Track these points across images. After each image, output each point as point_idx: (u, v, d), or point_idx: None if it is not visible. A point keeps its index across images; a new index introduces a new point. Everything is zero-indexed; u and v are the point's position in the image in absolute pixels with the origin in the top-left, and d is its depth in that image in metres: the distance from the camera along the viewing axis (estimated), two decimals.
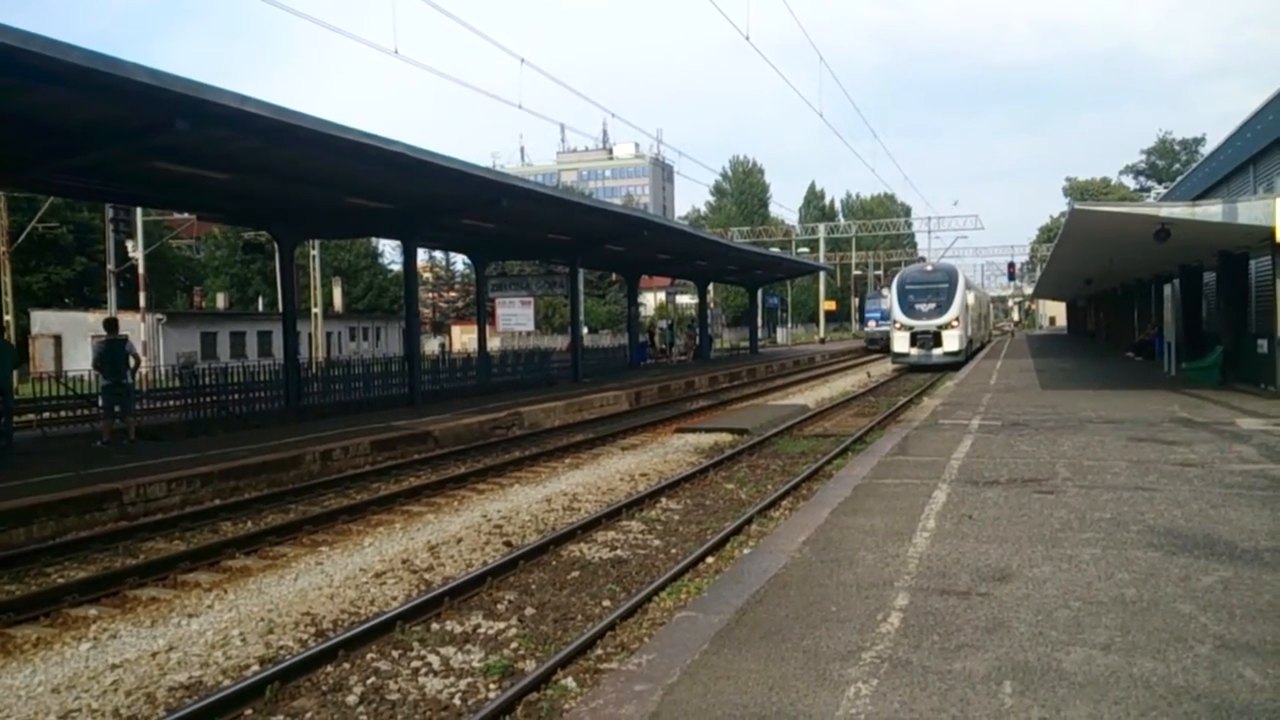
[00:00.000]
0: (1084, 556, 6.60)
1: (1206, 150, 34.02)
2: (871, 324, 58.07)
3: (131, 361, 16.02)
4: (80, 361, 32.47)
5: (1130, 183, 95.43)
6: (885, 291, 54.75)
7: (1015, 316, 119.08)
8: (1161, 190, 69.96)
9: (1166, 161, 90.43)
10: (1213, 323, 24.25)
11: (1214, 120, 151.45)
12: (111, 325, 16.77)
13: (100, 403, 16.40)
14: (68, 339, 44.16)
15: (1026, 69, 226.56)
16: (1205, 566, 6.27)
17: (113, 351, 15.87)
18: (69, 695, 6.07)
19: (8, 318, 39.13)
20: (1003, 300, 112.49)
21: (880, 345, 52.61)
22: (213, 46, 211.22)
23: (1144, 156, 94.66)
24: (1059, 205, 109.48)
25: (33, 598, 8.09)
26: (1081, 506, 8.27)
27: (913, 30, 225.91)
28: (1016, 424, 14.48)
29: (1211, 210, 16.58)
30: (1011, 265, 76.80)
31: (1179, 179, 38.87)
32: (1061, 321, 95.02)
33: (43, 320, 46.33)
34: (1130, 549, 6.77)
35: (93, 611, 7.93)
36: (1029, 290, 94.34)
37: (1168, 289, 25.05)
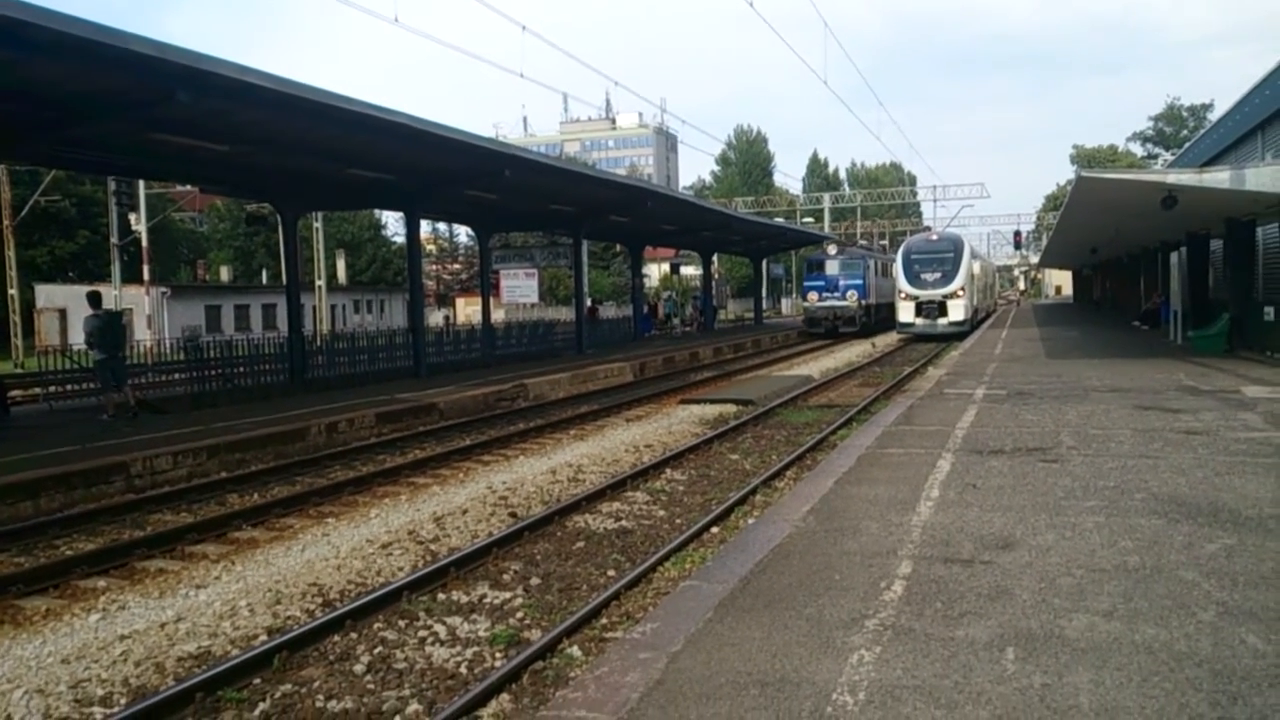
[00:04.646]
0: (1088, 524, 6.61)
1: (1214, 117, 33.72)
2: (813, 297, 41.54)
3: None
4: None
5: (1138, 149, 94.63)
6: (830, 250, 42.57)
7: (1021, 285, 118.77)
8: (1169, 157, 69.49)
9: (1174, 128, 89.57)
10: (1219, 291, 24.16)
11: (1223, 87, 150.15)
12: (96, 299, 16.44)
13: (99, 378, 16.32)
14: (73, 313, 44.15)
15: (1032, 36, 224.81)
16: (1209, 534, 6.28)
17: (112, 326, 15.84)
18: (78, 665, 6.12)
19: (12, 291, 39.22)
20: (1008, 269, 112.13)
21: (825, 327, 40.29)
22: (209, 17, 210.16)
23: (1151, 123, 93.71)
24: (1066, 173, 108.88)
25: (41, 570, 8.14)
26: (1086, 475, 8.28)
27: None
28: (1022, 393, 14.46)
29: (1219, 177, 16.47)
30: (1018, 234, 76.10)
31: (1186, 145, 38.61)
32: (1067, 290, 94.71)
33: (47, 294, 46.34)
34: (1134, 517, 6.78)
35: (101, 583, 7.98)
36: (1035, 259, 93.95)
37: (1174, 257, 24.95)
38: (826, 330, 40.19)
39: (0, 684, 5.85)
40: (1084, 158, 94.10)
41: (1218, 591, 5.15)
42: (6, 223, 39.02)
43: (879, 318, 42.93)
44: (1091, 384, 15.36)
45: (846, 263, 41.44)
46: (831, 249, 42.83)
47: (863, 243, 64.12)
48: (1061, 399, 13.58)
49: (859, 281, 40.54)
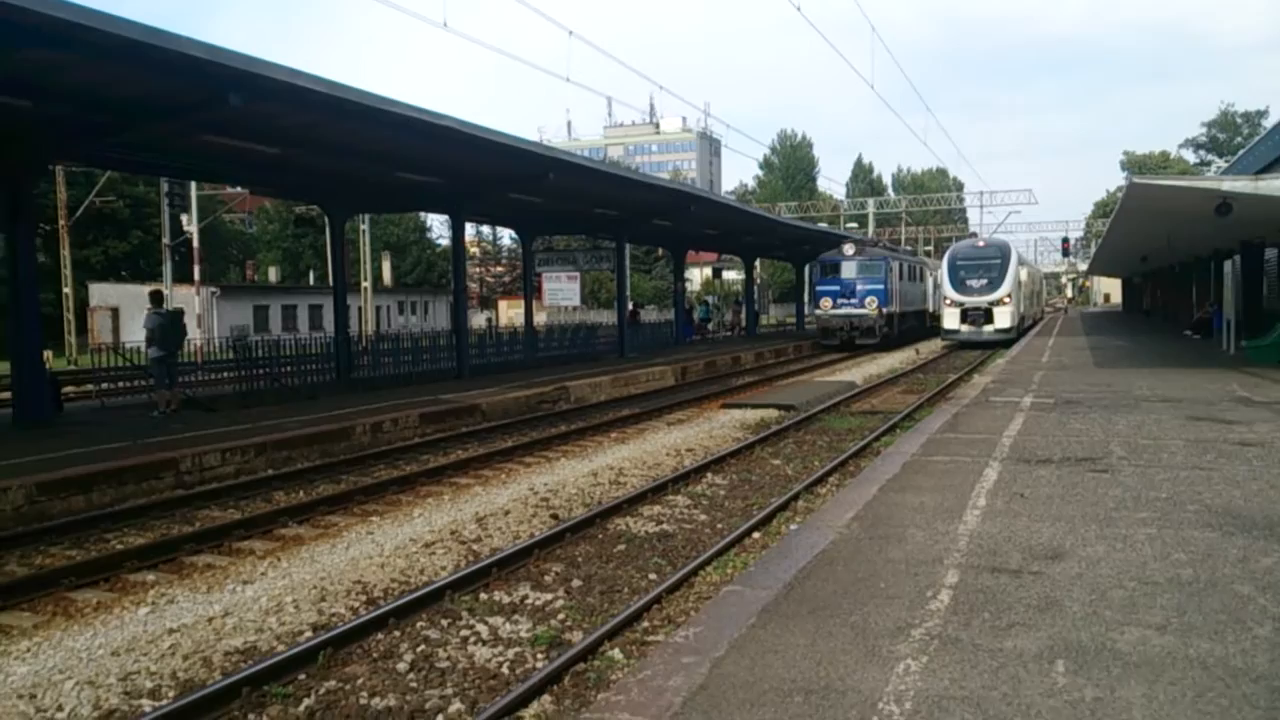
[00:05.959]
0: (1139, 536, 6.49)
1: (1270, 123, 33.02)
2: (826, 303, 36.09)
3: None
4: (138, 333, 33.12)
5: (1190, 156, 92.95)
6: (847, 250, 36.39)
7: (1069, 293, 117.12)
8: (1222, 164, 68.17)
9: (1228, 135, 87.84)
10: (1274, 300, 23.65)
11: (1278, 93, 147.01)
12: (158, 298, 17.00)
13: (154, 375, 16.62)
14: (125, 311, 45.02)
15: (1083, 40, 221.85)
16: (1265, 547, 6.13)
17: (174, 324, 16.16)
18: (128, 658, 6.22)
19: (66, 290, 40.06)
20: (1056, 277, 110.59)
21: (840, 338, 35.36)
22: (255, 19, 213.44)
23: (1204, 129, 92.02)
24: (1115, 180, 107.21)
25: (93, 563, 8.30)
26: (1137, 486, 8.13)
27: (967, 1, 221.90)
28: (1070, 402, 14.24)
29: (1275, 184, 16.13)
30: (1065, 241, 75.09)
31: (1241, 152, 37.82)
32: (1116, 299, 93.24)
33: (100, 293, 47.29)
34: (1187, 529, 6.64)
35: (150, 577, 8.11)
36: (1083, 267, 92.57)
37: (1228, 266, 24.43)
38: (842, 342, 35.34)
39: (52, 675, 5.96)
40: (1135, 164, 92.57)
41: (1274, 606, 5.02)
42: (62, 223, 39.83)
43: (904, 328, 38.88)
44: (1142, 394, 15.09)
45: (865, 264, 36.03)
46: (848, 248, 36.63)
47: (906, 247, 63.07)
48: (1111, 408, 13.35)
49: (879, 286, 35.45)
